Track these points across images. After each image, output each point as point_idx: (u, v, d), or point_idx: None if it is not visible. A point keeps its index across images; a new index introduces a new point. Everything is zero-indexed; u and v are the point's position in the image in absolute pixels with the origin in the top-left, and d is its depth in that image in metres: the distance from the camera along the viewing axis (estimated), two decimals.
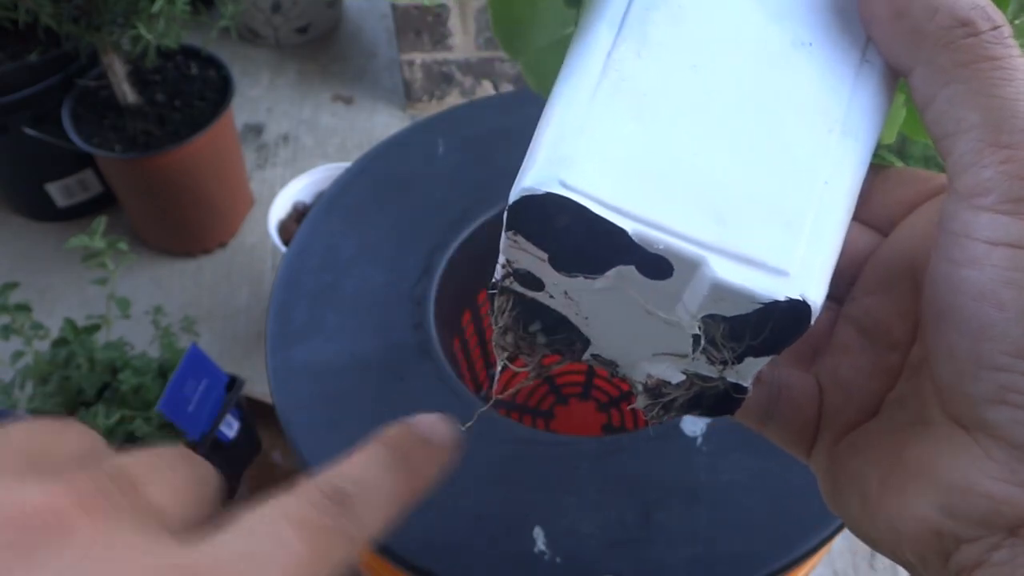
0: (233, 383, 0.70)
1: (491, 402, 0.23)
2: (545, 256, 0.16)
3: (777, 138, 0.16)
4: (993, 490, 0.15)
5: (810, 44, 0.17)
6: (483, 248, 0.51)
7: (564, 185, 0.15)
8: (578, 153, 0.16)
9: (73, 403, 0.68)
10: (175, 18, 0.79)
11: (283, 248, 0.84)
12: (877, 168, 0.19)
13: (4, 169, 0.98)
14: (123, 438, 0.65)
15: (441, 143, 0.54)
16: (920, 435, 0.16)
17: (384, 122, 1.13)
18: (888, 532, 0.16)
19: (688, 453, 0.39)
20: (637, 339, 0.18)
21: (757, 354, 0.16)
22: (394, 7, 1.00)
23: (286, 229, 0.89)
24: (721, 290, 0.15)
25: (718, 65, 0.17)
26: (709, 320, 0.16)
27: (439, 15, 1.01)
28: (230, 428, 0.70)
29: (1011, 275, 0.14)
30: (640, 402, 0.19)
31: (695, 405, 0.19)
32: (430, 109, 1.11)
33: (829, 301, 0.16)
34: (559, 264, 0.16)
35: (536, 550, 0.36)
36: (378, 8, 1.29)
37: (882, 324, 0.19)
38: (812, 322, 0.15)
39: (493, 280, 0.18)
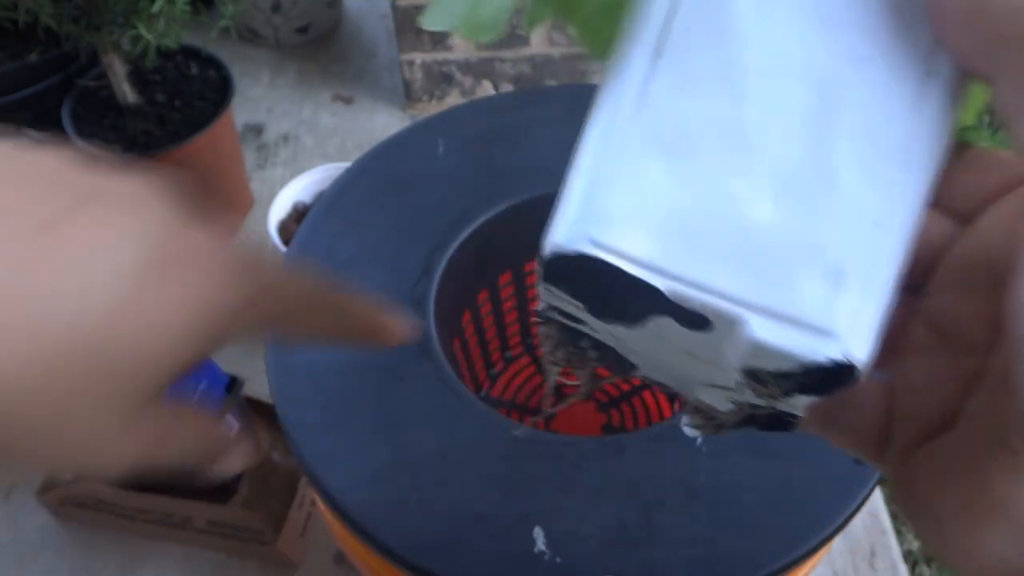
0: (233, 383, 0.70)
1: (547, 415, 0.24)
2: (582, 305, 0.16)
3: (826, 175, 0.15)
4: None
5: (868, 59, 0.15)
6: (483, 248, 0.51)
7: (595, 244, 0.15)
8: (609, 207, 0.15)
9: None
10: (175, 18, 0.79)
11: (283, 248, 0.84)
12: (959, 148, 0.17)
13: None
14: None
15: (441, 143, 0.54)
16: (1000, 464, 0.15)
17: (384, 122, 1.12)
18: (964, 563, 0.15)
19: (688, 453, 0.39)
20: (683, 372, 0.18)
21: (806, 393, 0.16)
22: (394, 7, 1.00)
23: (286, 229, 0.89)
24: (761, 349, 0.15)
25: (764, 93, 0.15)
26: (753, 369, 0.16)
27: None
28: (230, 428, 0.70)
29: None
30: (693, 420, 0.19)
31: (747, 424, 0.18)
32: (430, 109, 1.11)
33: (903, 294, 0.15)
34: (596, 313, 0.16)
35: (536, 550, 0.36)
36: (378, 8, 1.29)
37: (958, 325, 0.17)
38: (859, 380, 0.15)
39: (537, 309, 0.18)
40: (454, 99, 1.11)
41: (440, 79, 1.09)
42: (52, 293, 0.17)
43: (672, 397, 0.60)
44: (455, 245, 0.48)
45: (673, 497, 0.37)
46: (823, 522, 0.36)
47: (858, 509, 0.37)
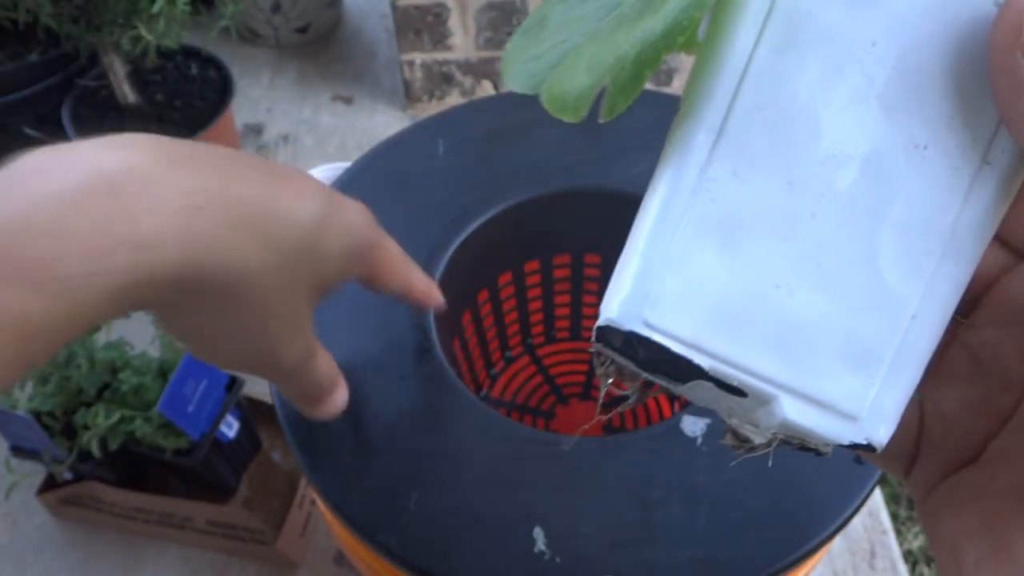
0: (233, 383, 0.70)
1: (598, 420, 0.24)
2: (632, 363, 0.17)
3: (868, 266, 0.16)
4: None
5: (926, 147, 0.16)
6: (483, 248, 0.51)
7: (647, 324, 0.16)
8: (661, 289, 0.16)
9: (73, 403, 0.68)
10: (175, 18, 0.79)
11: None
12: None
13: None
14: (123, 438, 0.65)
15: (441, 143, 0.54)
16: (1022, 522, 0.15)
17: (384, 122, 1.12)
18: None
19: (688, 453, 0.39)
20: (723, 409, 0.19)
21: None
22: (394, 7, 1.00)
23: None
24: (790, 427, 0.16)
25: (818, 181, 0.16)
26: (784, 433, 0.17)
27: (439, 15, 1.01)
28: (230, 428, 0.70)
29: None
30: (727, 439, 0.20)
31: (780, 446, 0.19)
32: (430, 109, 1.11)
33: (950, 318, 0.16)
34: (644, 369, 0.17)
35: (536, 550, 0.36)
36: (378, 8, 1.29)
37: (999, 360, 0.17)
38: (877, 453, 0.16)
39: (592, 349, 0.19)
40: (454, 99, 1.11)
41: (440, 79, 1.09)
42: (287, 208, 0.26)
43: (673, 398, 0.60)
44: (455, 245, 0.48)
45: (673, 497, 0.37)
46: (823, 522, 0.36)
47: (858, 509, 0.37)
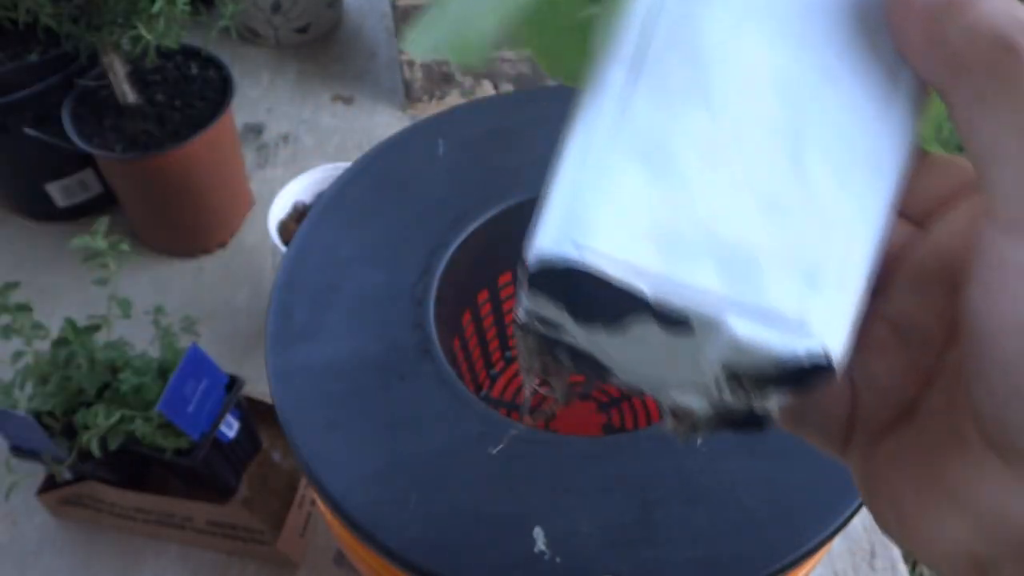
0: (233, 383, 0.70)
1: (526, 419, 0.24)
2: (563, 310, 0.16)
3: (799, 181, 0.16)
4: None
5: (838, 75, 0.16)
6: (483, 248, 0.51)
7: (578, 247, 0.15)
8: (591, 212, 0.16)
9: (73, 403, 0.68)
10: (175, 18, 0.79)
11: (283, 248, 0.84)
12: (917, 155, 0.18)
13: (4, 169, 0.98)
14: (123, 438, 0.65)
15: (441, 143, 0.54)
16: (957, 455, 0.16)
17: (384, 122, 1.12)
18: (923, 547, 0.16)
19: (688, 453, 0.39)
20: (660, 374, 0.18)
21: (782, 392, 0.16)
22: (394, 7, 1.00)
23: (286, 229, 0.89)
24: (740, 347, 0.15)
25: (738, 104, 0.16)
26: (732, 368, 0.16)
27: None
28: (230, 428, 0.70)
29: None
30: (667, 424, 0.19)
31: (722, 425, 0.19)
32: (430, 109, 1.11)
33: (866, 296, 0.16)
34: (579, 318, 0.16)
35: (536, 550, 0.36)
36: (378, 8, 1.29)
37: (917, 325, 0.18)
38: (837, 376, 0.15)
39: (515, 319, 0.18)
40: (454, 99, 1.11)
41: (440, 79, 1.09)
42: None
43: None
44: (455, 245, 0.48)
45: (673, 497, 0.37)
46: (823, 522, 0.36)
47: (858, 509, 0.37)
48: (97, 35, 0.79)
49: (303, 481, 0.76)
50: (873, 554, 0.76)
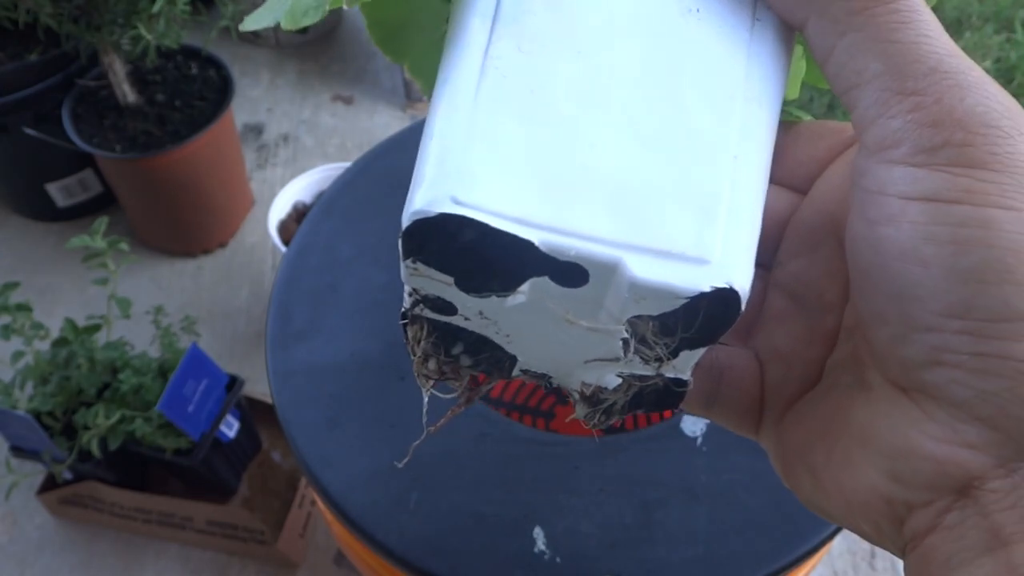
0: (233, 383, 0.70)
1: (424, 437, 0.22)
2: (450, 280, 0.15)
3: (678, 117, 0.15)
4: (937, 452, 0.14)
5: (698, 10, 0.16)
6: None
7: (457, 202, 0.14)
8: (468, 164, 0.14)
9: (73, 403, 0.68)
10: (175, 18, 0.79)
11: (283, 248, 0.84)
12: (787, 125, 0.18)
13: (4, 169, 0.98)
14: (123, 438, 0.65)
15: None
16: (861, 401, 0.16)
17: (384, 122, 1.12)
18: (840, 503, 0.16)
19: (688, 453, 0.39)
20: (565, 349, 0.17)
21: (692, 346, 0.15)
22: None
23: (286, 229, 0.89)
24: (641, 289, 0.14)
25: (605, 47, 0.16)
26: (636, 321, 0.15)
27: None
28: (230, 428, 0.70)
29: (931, 230, 0.13)
30: (579, 411, 0.18)
31: (636, 404, 0.18)
32: None
33: (757, 269, 0.15)
34: (466, 286, 0.15)
35: (536, 550, 0.36)
36: None
37: (812, 287, 0.18)
38: (743, 308, 0.15)
39: (403, 310, 0.17)
40: None
41: None
42: None
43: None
44: None
45: (673, 497, 0.37)
46: (823, 522, 0.36)
47: None
48: (97, 35, 0.79)
49: (303, 481, 0.76)
50: (873, 554, 0.76)
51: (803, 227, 0.18)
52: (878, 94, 0.14)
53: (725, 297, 0.14)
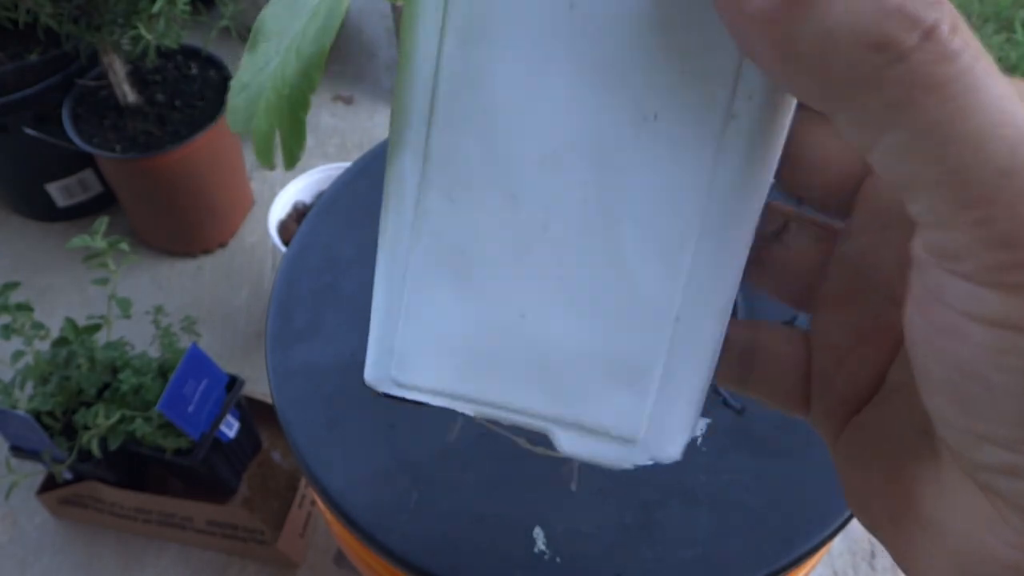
0: (233, 383, 0.70)
1: None
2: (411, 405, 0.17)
3: (617, 273, 0.14)
4: (1011, 559, 0.13)
5: (656, 116, 0.13)
6: None
7: (399, 384, 0.16)
8: (403, 345, 0.15)
9: (73, 403, 0.68)
10: (175, 18, 0.79)
11: (283, 248, 0.84)
12: None
13: (4, 169, 0.98)
14: (123, 438, 0.65)
15: None
16: (932, 487, 0.14)
17: (384, 122, 1.12)
18: (905, 566, 0.15)
19: (688, 453, 0.39)
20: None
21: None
22: (394, 7, 1.00)
23: (286, 229, 0.89)
24: (573, 457, 0.15)
25: (540, 185, 0.14)
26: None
27: None
28: (230, 428, 0.70)
29: (1000, 361, 0.12)
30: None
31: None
32: None
33: (824, 229, 0.15)
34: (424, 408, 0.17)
35: (536, 550, 0.36)
36: (378, 8, 1.29)
37: (880, 270, 0.15)
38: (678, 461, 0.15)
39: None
40: None
41: None
42: None
43: None
44: None
45: (673, 497, 0.37)
46: (823, 522, 0.36)
47: None
48: (97, 35, 0.79)
49: (303, 481, 0.76)
50: (873, 554, 0.76)
51: (875, 198, 0.15)
52: (937, 203, 0.11)
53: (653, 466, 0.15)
